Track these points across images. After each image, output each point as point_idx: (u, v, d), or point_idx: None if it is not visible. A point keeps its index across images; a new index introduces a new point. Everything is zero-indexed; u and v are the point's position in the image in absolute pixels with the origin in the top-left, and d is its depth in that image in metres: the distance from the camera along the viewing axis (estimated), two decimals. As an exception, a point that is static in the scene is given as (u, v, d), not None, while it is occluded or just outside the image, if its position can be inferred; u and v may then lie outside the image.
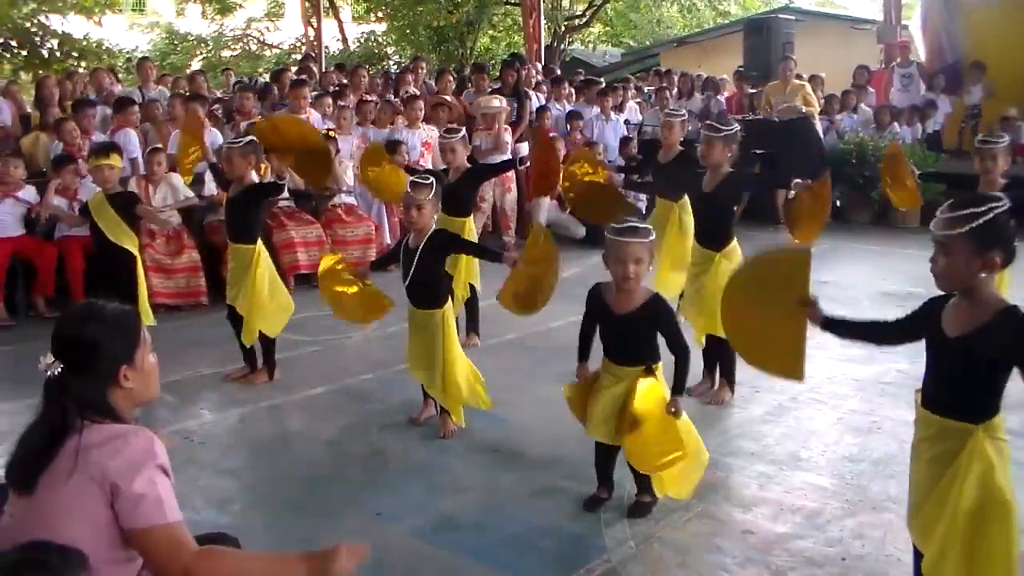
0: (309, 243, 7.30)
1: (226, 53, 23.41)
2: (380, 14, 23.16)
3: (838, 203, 10.54)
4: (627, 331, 3.36)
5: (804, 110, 9.89)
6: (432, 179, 4.24)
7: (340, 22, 23.17)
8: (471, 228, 5.65)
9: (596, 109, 9.91)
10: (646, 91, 12.06)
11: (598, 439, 3.48)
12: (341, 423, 4.53)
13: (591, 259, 7.41)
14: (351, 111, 8.44)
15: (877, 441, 4.16)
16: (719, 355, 4.71)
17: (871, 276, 7.48)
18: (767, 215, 9.34)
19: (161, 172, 6.97)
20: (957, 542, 2.32)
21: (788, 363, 2.84)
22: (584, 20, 22.32)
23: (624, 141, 9.58)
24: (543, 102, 10.01)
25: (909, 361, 4.65)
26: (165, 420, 4.46)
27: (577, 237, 8.95)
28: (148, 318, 5.19)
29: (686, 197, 5.40)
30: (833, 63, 12.62)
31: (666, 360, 3.38)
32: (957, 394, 2.37)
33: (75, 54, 16.64)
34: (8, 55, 16.21)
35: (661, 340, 3.39)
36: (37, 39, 16.30)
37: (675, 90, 11.75)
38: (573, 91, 10.68)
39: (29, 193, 6.67)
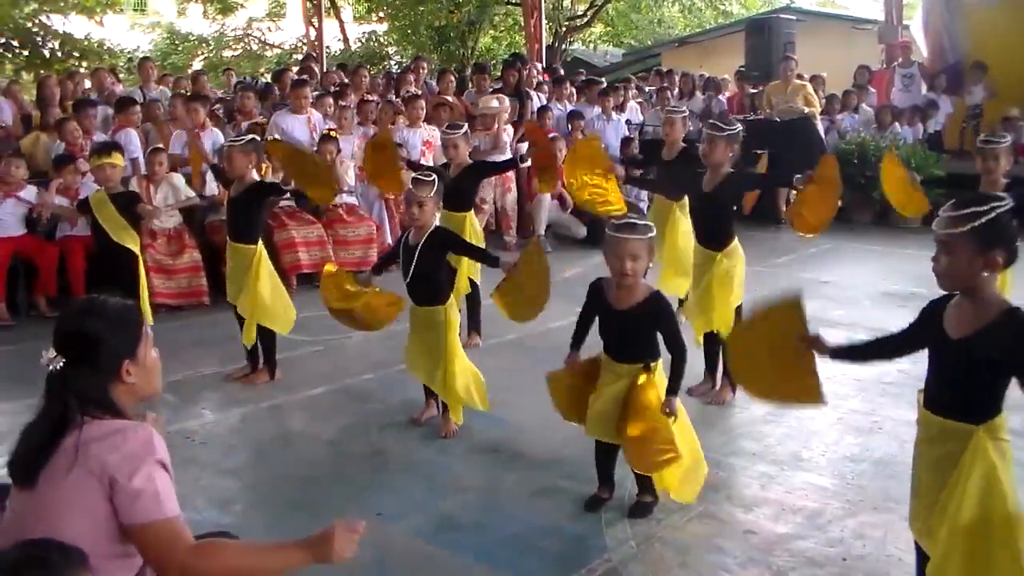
0: (310, 243, 7.30)
1: (227, 53, 23.42)
2: (381, 14, 23.17)
3: (839, 203, 10.53)
4: (627, 327, 3.35)
5: (805, 110, 9.89)
6: (435, 176, 4.24)
7: (341, 22, 23.18)
8: (473, 223, 5.66)
9: (597, 109, 9.90)
10: (647, 91, 12.05)
11: (598, 438, 3.48)
12: (342, 423, 4.53)
13: (592, 259, 7.41)
14: (352, 111, 8.44)
15: (878, 441, 4.15)
16: (722, 354, 4.71)
17: (872, 276, 7.47)
18: (767, 215, 9.34)
19: (162, 172, 6.97)
20: (961, 545, 2.31)
21: (806, 391, 2.84)
22: (585, 20, 22.32)
23: (625, 141, 9.57)
24: (544, 102, 10.01)
25: (910, 361, 4.60)
26: (166, 420, 4.45)
27: (578, 237, 8.95)
28: (147, 319, 5.19)
29: (685, 198, 5.41)
30: (834, 63, 12.61)
31: (666, 359, 3.38)
32: (959, 395, 2.36)
33: (76, 54, 16.66)
34: (9, 55, 16.23)
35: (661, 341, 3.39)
36: (38, 39, 16.33)
37: (676, 90, 11.74)
38: (574, 91, 10.67)
39: (30, 193, 6.68)
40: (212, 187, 7.22)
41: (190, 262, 6.85)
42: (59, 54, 16.45)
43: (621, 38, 24.76)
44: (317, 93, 8.78)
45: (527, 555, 3.22)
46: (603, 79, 12.18)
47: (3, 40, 15.99)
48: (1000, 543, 2.30)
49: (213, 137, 7.62)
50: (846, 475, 3.81)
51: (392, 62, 21.95)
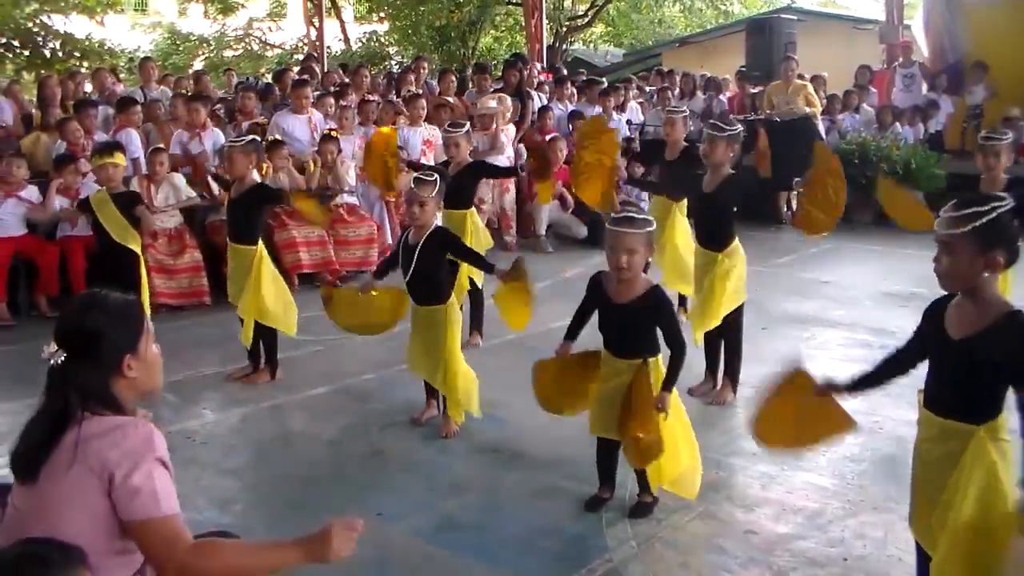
0: (311, 243, 7.30)
1: (228, 53, 23.42)
2: (382, 14, 23.18)
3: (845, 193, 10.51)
4: (626, 321, 3.35)
5: (806, 110, 9.88)
6: (436, 176, 4.24)
7: (342, 22, 23.19)
8: (475, 221, 5.66)
9: (598, 109, 9.89)
10: (648, 91, 12.05)
11: (599, 434, 3.48)
12: (342, 423, 4.53)
13: (592, 259, 7.42)
14: (353, 111, 8.44)
15: (879, 441, 4.15)
16: (722, 355, 4.71)
17: (873, 276, 7.47)
18: (767, 215, 9.33)
19: (163, 172, 6.98)
20: (962, 545, 2.31)
21: (838, 424, 2.85)
22: (586, 20, 22.32)
23: (626, 141, 9.57)
24: (545, 102, 10.02)
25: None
26: (167, 420, 4.46)
27: (579, 237, 8.95)
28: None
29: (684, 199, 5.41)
30: (835, 63, 12.60)
31: (666, 355, 3.38)
32: (960, 395, 2.36)
33: (77, 54, 16.67)
34: (10, 55, 16.23)
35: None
36: (39, 39, 16.33)
37: (677, 90, 11.74)
38: (575, 91, 10.68)
39: (32, 193, 6.68)
40: (213, 187, 7.22)
41: (191, 262, 6.85)
42: (60, 54, 16.45)
43: (622, 38, 24.76)
44: (318, 93, 8.79)
45: (527, 555, 3.22)
46: (604, 79, 12.17)
47: (4, 40, 15.99)
48: (1001, 543, 2.30)
49: (214, 137, 7.63)
50: (847, 475, 3.81)
51: (393, 62, 21.95)
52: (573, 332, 3.56)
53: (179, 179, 7.11)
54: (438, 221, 4.45)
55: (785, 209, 9.79)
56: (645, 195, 8.62)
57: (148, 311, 5.34)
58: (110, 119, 8.12)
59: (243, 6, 23.29)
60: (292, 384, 5.09)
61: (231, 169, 4.96)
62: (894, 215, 4.89)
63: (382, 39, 23.59)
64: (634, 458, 3.35)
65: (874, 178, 9.43)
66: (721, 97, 11.71)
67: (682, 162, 5.73)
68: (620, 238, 3.21)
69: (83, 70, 13.05)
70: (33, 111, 8.71)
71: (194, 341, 5.90)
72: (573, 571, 3.09)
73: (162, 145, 7.40)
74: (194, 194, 7.15)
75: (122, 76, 13.60)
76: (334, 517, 1.95)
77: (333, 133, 7.87)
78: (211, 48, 23.41)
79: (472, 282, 5.53)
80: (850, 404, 4.54)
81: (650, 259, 3.36)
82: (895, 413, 4.36)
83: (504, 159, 8.48)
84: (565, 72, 12.74)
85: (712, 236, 4.60)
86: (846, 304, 6.62)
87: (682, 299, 5.86)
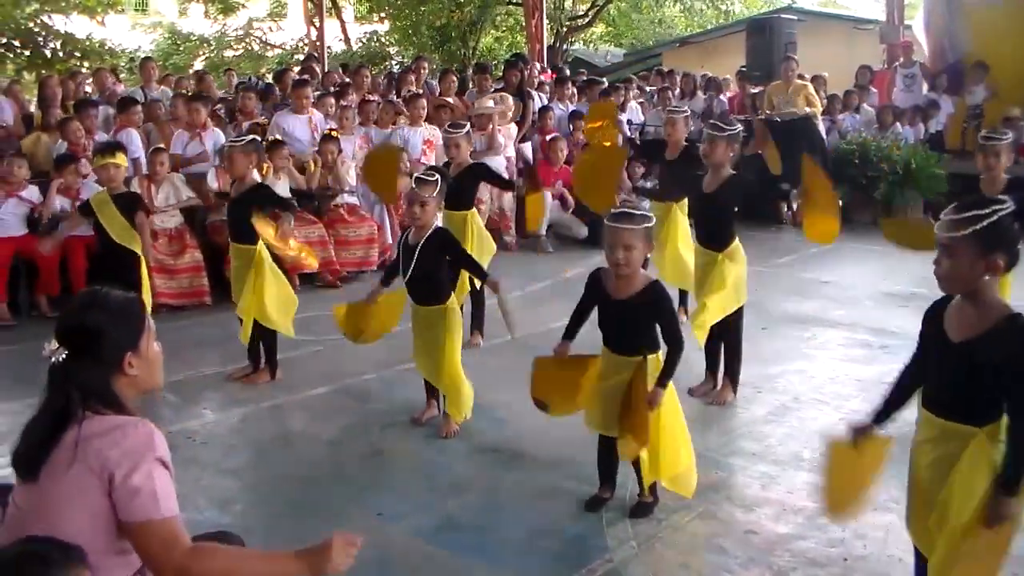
0: (311, 243, 7.27)
1: (228, 53, 23.43)
2: (383, 14, 23.18)
3: (840, 202, 10.52)
4: (625, 317, 3.34)
5: (806, 111, 9.88)
6: (438, 176, 4.24)
7: (343, 22, 23.20)
8: (476, 222, 5.66)
9: (598, 109, 9.89)
10: (648, 91, 12.05)
11: (598, 431, 3.48)
12: (342, 423, 4.53)
13: (593, 259, 7.41)
14: (353, 111, 8.45)
15: (879, 441, 4.14)
16: (722, 355, 4.71)
17: (873, 276, 7.47)
18: (768, 215, 9.33)
19: (164, 172, 6.98)
20: (961, 546, 2.31)
21: (879, 458, 2.82)
22: (586, 20, 22.32)
23: (627, 141, 9.57)
24: (546, 102, 10.02)
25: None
26: (168, 420, 4.46)
27: (579, 237, 8.95)
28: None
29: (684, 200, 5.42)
30: (836, 63, 12.59)
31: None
32: (960, 398, 2.35)
33: (78, 54, 16.67)
34: (11, 55, 16.23)
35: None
36: (40, 39, 16.33)
37: (677, 90, 11.74)
38: (575, 91, 10.68)
39: (32, 193, 6.68)
40: (213, 186, 7.22)
41: (191, 262, 6.85)
42: (60, 54, 16.46)
43: (622, 38, 24.77)
44: (318, 93, 8.79)
45: (527, 555, 3.22)
46: (604, 79, 12.17)
47: (5, 40, 16.00)
48: (999, 544, 2.30)
49: (214, 137, 7.63)
50: (847, 475, 3.81)
51: (393, 62, 21.95)
52: (571, 331, 3.54)
53: (179, 179, 7.11)
54: (438, 222, 4.45)
55: (785, 209, 9.79)
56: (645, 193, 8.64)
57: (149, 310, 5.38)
58: (111, 119, 8.12)
59: (243, 6, 23.30)
60: (292, 384, 5.09)
61: (231, 169, 4.97)
62: (908, 246, 4.78)
63: (382, 39, 23.59)
64: (626, 451, 3.35)
65: (874, 178, 9.48)
66: (721, 97, 11.71)
67: (682, 162, 5.73)
68: (618, 234, 3.20)
69: (84, 70, 13.05)
70: (34, 111, 8.71)
71: (194, 341, 5.90)
72: (573, 571, 3.09)
73: (163, 145, 7.40)
74: (194, 194, 7.15)
75: (123, 76, 13.61)
76: (334, 531, 1.94)
77: (333, 133, 7.88)
78: (211, 48, 23.41)
79: (473, 282, 5.54)
80: (850, 404, 4.60)
81: (649, 255, 3.35)
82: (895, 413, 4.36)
83: (501, 159, 8.50)
84: (568, 72, 12.74)
85: (713, 236, 4.60)
86: (846, 304, 6.62)
87: (682, 299, 5.86)
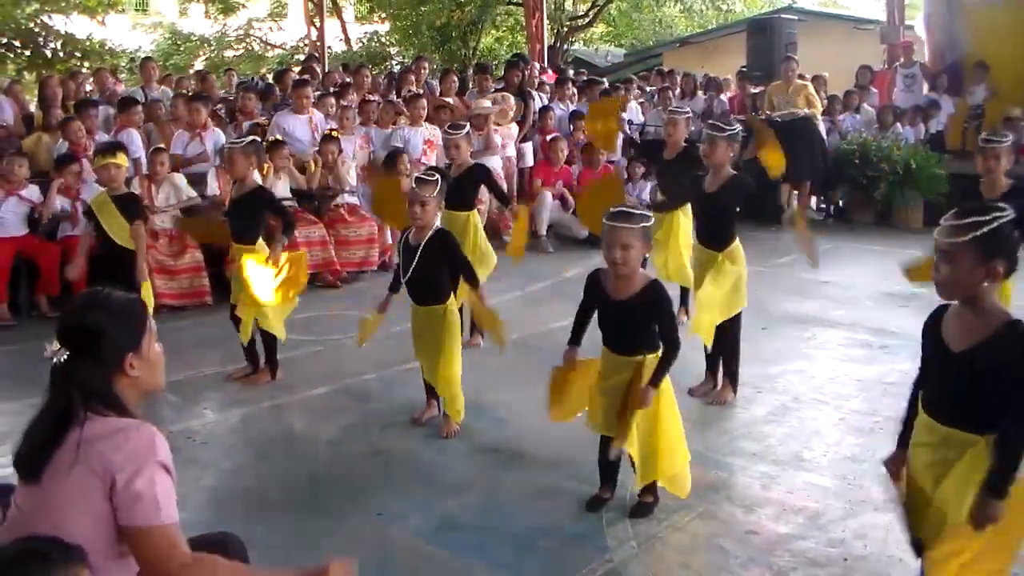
0: (312, 243, 7.29)
1: (229, 53, 23.43)
2: (383, 14, 23.18)
3: (841, 203, 10.55)
4: (625, 317, 3.34)
5: (806, 111, 9.88)
6: (438, 176, 4.24)
7: (343, 22, 23.20)
8: (477, 223, 5.66)
9: (598, 109, 9.90)
10: (649, 91, 12.05)
11: (599, 431, 3.48)
12: (343, 423, 4.53)
13: (593, 259, 7.40)
14: (354, 111, 8.45)
15: (879, 441, 4.13)
16: (723, 355, 4.70)
17: (873, 276, 7.46)
18: (768, 215, 9.32)
19: (164, 172, 6.98)
20: (960, 546, 2.31)
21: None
22: (587, 20, 22.32)
23: (627, 141, 9.57)
24: (546, 102, 10.02)
25: (911, 361, 4.62)
26: (168, 419, 4.46)
27: (580, 237, 8.95)
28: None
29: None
30: (836, 63, 12.59)
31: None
32: (961, 406, 2.34)
33: (78, 54, 16.66)
34: (11, 55, 16.23)
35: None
36: (40, 39, 16.33)
37: (678, 90, 11.74)
38: (576, 91, 10.68)
39: (33, 192, 6.69)
40: (213, 187, 7.23)
41: (192, 262, 6.85)
42: (61, 54, 16.45)
43: (622, 38, 24.78)
44: (319, 93, 8.80)
45: (527, 555, 3.22)
46: (604, 79, 12.18)
47: (5, 40, 16.00)
48: (999, 545, 2.30)
49: (214, 137, 7.63)
50: (847, 475, 3.81)
51: (394, 62, 21.96)
52: (577, 336, 3.52)
53: (180, 179, 7.11)
54: (439, 222, 4.44)
55: (785, 207, 9.78)
56: (646, 193, 8.64)
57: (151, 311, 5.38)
58: (111, 119, 8.13)
59: (244, 6, 23.30)
60: (292, 384, 5.09)
61: (232, 170, 4.97)
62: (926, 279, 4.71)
63: (383, 39, 23.60)
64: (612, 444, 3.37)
65: (874, 178, 9.48)
66: (722, 97, 11.70)
67: (680, 162, 5.73)
68: (616, 232, 3.19)
69: (84, 70, 13.06)
70: (34, 111, 8.71)
71: (195, 341, 5.90)
72: (573, 571, 3.09)
73: (163, 145, 7.41)
74: (195, 194, 7.16)
75: (123, 76, 13.63)
76: (331, 557, 1.95)
77: (334, 133, 7.88)
78: (212, 48, 23.42)
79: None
80: (850, 404, 4.60)
81: (647, 255, 3.34)
82: (896, 413, 4.36)
83: (498, 159, 8.53)
84: (571, 73, 12.75)
85: (713, 236, 4.60)
86: (846, 304, 6.62)
87: (683, 298, 5.86)
